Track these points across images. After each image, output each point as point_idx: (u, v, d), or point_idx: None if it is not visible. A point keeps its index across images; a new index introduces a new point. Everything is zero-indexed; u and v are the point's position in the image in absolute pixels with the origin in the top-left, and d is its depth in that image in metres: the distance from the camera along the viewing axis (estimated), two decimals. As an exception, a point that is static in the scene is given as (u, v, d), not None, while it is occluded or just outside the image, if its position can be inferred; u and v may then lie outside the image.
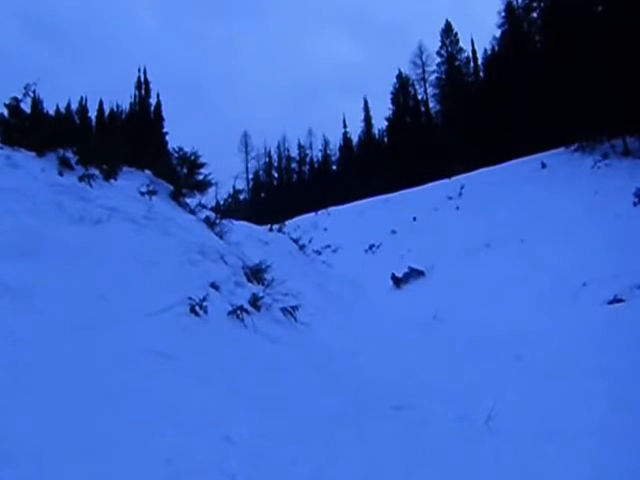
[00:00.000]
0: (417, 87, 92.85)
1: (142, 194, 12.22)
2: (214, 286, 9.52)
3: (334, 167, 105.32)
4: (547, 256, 29.92)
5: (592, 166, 46.05)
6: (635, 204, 34.44)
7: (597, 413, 11.12)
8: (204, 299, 8.47)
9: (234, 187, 18.47)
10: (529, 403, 11.17)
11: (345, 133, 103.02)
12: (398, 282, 30.15)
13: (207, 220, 13.54)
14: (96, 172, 11.75)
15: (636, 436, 10.05)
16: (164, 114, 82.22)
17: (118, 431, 5.15)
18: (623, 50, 43.96)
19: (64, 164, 11.58)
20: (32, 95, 13.29)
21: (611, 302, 23.33)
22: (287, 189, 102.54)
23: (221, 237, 12.92)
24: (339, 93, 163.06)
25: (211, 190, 15.15)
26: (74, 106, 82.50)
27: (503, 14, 76.00)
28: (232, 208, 16.04)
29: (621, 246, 27.93)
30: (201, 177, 14.50)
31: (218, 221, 13.70)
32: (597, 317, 20.88)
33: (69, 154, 11.95)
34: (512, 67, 69.40)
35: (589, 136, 49.00)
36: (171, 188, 13.73)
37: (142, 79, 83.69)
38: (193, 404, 6.18)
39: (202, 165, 14.56)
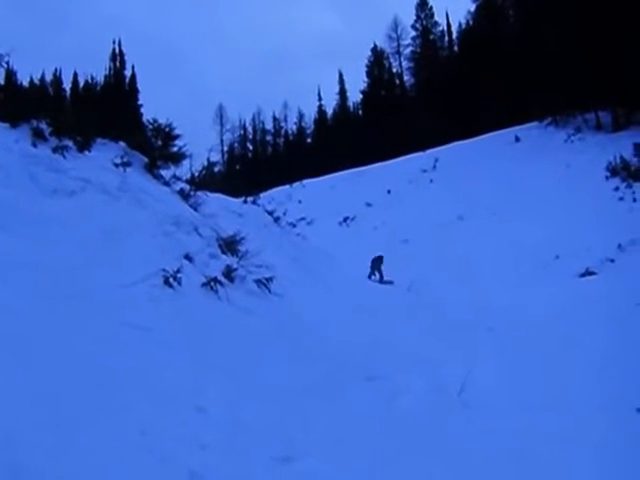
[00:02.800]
0: (392, 60, 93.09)
1: (116, 166, 12.11)
2: (188, 258, 9.50)
3: (309, 140, 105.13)
4: (520, 229, 30.11)
5: (565, 140, 46.30)
6: (607, 178, 34.71)
7: (569, 384, 11.27)
8: (178, 271, 8.46)
9: (208, 159, 18.38)
10: (502, 375, 11.27)
11: (320, 106, 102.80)
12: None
13: (181, 192, 13.46)
14: (70, 143, 11.62)
15: (607, 406, 10.21)
16: (139, 86, 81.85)
17: (93, 403, 5.14)
18: (597, 25, 44.06)
19: (38, 135, 11.46)
20: (5, 66, 13.15)
21: (583, 275, 23.57)
22: (262, 162, 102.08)
23: (195, 209, 12.86)
24: (316, 63, 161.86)
25: (186, 162, 15.05)
26: (48, 77, 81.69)
27: (478, -12, 76.04)
28: (207, 180, 15.94)
29: (593, 219, 28.16)
30: (175, 149, 14.38)
31: (192, 193, 13.62)
32: (569, 290, 21.08)
33: (43, 125, 11.81)
34: (486, 41, 69.44)
35: (562, 110, 49.18)
36: (145, 160, 13.61)
37: (117, 51, 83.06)
38: (167, 376, 6.19)
39: (176, 137, 14.44)
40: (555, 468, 7.58)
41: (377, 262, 27.80)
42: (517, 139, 49.73)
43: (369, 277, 26.85)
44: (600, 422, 9.53)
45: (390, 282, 25.75)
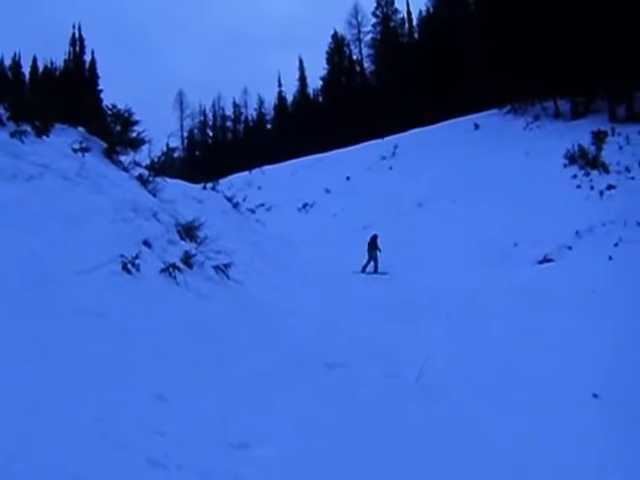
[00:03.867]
0: (352, 47, 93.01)
1: (75, 151, 12.01)
2: (147, 244, 9.46)
3: (269, 126, 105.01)
4: (479, 216, 30.30)
5: (524, 128, 46.68)
6: (565, 166, 35.06)
7: (527, 370, 11.47)
8: (136, 257, 8.42)
9: (167, 145, 18.30)
10: (459, 361, 11.43)
11: (280, 92, 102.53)
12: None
13: (140, 178, 13.40)
14: (28, 128, 11.49)
15: (565, 392, 10.42)
16: (99, 71, 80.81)
17: (50, 390, 5.10)
18: (555, 14, 44.45)
19: (-5, 120, 11.36)
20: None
21: (541, 262, 23.90)
22: (222, 148, 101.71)
23: (154, 195, 12.82)
24: (277, 49, 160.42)
25: (145, 148, 15.00)
26: (7, 61, 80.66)
27: (438, -25, 76.35)
28: (166, 166, 15.88)
29: (551, 207, 28.47)
30: (134, 134, 14.33)
31: (151, 179, 13.57)
32: (527, 277, 21.35)
33: (1, 110, 11.71)
34: (446, 29, 69.76)
35: (522, 98, 49.55)
36: (105, 145, 13.55)
37: (77, 35, 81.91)
38: (126, 362, 6.18)
39: (135, 122, 14.36)
40: (512, 453, 7.72)
41: (372, 247, 27.64)
42: (476, 126, 49.98)
43: (363, 269, 26.72)
44: (558, 408, 9.74)
45: (385, 273, 26.02)
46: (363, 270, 26.59)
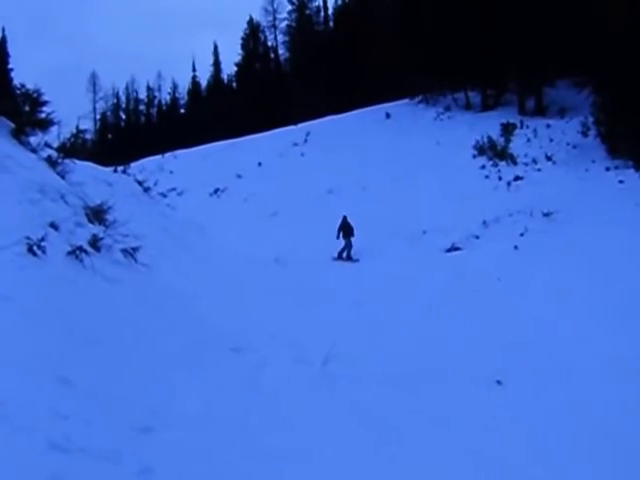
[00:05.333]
0: (267, 34, 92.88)
1: (-20, 131, 11.85)
2: (53, 226, 9.33)
3: (182, 110, 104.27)
4: (388, 204, 30.64)
5: (435, 118, 47.41)
6: (474, 156, 35.81)
7: (433, 356, 11.80)
8: (43, 239, 8.27)
9: (77, 127, 18.06)
10: (366, 347, 11.63)
11: (194, 77, 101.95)
12: None
13: (49, 159, 13.22)
14: None
15: (468, 378, 10.79)
16: (10, 50, 78.57)
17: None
18: (468, 8, 45.30)
19: None
20: None
21: (449, 250, 24.48)
22: (135, 131, 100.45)
23: (63, 177, 12.63)
24: (193, 28, 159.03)
25: (54, 129, 14.79)
26: None
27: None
28: (77, 148, 15.68)
29: (459, 196, 29.07)
30: (43, 115, 14.12)
31: (60, 160, 13.39)
32: (436, 264, 21.82)
33: None
34: (361, 19, 70.15)
35: (434, 89, 50.28)
36: (12, 126, 13.33)
37: (-15, 12, 79.62)
38: (30, 345, 6.12)
39: (45, 103, 14.13)
40: (417, 437, 7.98)
41: (346, 230, 26.74)
42: (388, 115, 50.44)
43: (339, 255, 26.46)
44: (463, 391, 10.11)
45: (357, 260, 26.04)
46: (339, 256, 26.23)
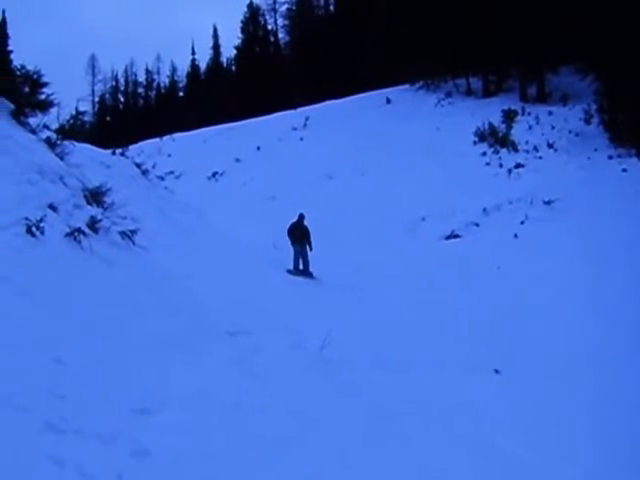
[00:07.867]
0: (267, 17, 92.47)
1: (-21, 111, 11.75)
2: (52, 207, 9.32)
3: (181, 94, 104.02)
4: (388, 190, 30.56)
5: (436, 104, 47.25)
6: (475, 143, 35.66)
7: (430, 344, 11.77)
8: (41, 220, 8.27)
9: (77, 109, 17.98)
10: (363, 333, 11.60)
11: (193, 60, 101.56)
12: None
13: (48, 140, 13.15)
14: None
15: (469, 367, 10.76)
16: (10, 32, 78.28)
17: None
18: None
19: None
20: None
21: (448, 237, 24.38)
22: (133, 114, 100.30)
23: (62, 158, 12.56)
24: (191, 14, 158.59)
25: (55, 111, 14.72)
26: None
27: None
28: (76, 130, 15.62)
29: (459, 183, 28.97)
30: (43, 96, 14.05)
31: (59, 142, 13.32)
32: (435, 251, 21.75)
33: None
34: (361, 1, 69.80)
35: (434, 74, 50.10)
36: (12, 107, 13.25)
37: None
38: (26, 325, 6.12)
39: (45, 84, 14.08)
40: (410, 423, 7.95)
41: (299, 235, 19.79)
42: (388, 101, 50.33)
43: (295, 268, 19.07)
44: (457, 380, 10.07)
45: (314, 277, 18.74)
46: (296, 269, 19.02)
